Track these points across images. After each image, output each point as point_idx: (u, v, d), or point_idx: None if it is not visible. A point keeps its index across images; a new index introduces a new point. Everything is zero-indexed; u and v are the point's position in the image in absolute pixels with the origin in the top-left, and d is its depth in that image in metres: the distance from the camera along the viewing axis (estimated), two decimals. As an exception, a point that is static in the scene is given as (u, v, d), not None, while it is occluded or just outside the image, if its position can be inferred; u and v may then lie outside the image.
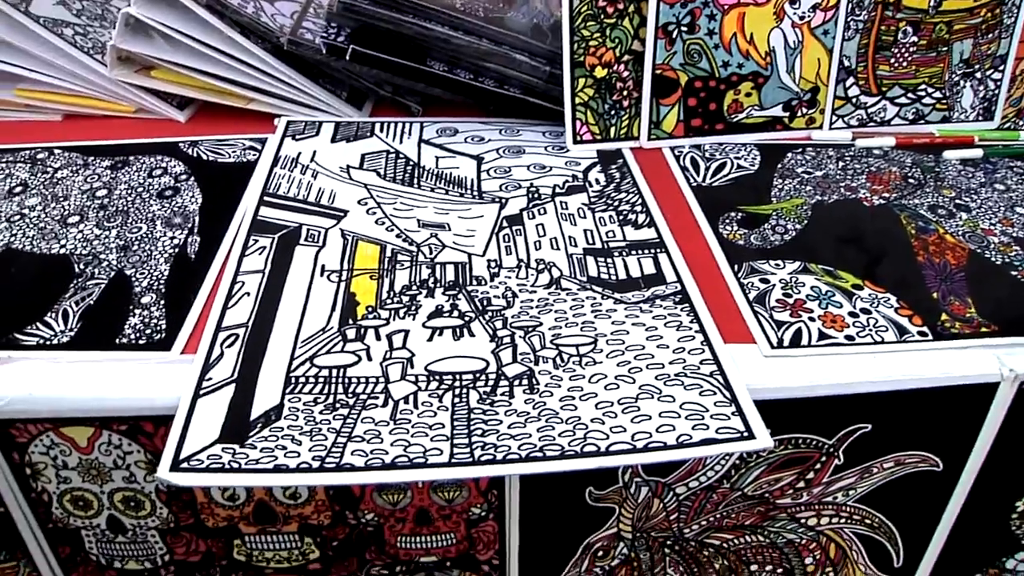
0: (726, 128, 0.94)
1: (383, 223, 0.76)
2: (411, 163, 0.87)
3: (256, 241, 0.73)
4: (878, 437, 0.64)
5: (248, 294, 0.66)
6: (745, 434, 0.55)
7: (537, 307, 0.67)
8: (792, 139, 0.95)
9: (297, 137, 0.91)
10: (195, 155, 0.89)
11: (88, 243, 0.75)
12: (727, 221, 0.80)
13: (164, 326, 0.65)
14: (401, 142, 0.91)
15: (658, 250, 0.74)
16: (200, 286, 0.69)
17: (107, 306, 0.67)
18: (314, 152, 0.87)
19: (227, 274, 0.69)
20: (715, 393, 0.59)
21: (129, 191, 0.82)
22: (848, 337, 0.65)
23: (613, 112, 0.91)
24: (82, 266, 0.71)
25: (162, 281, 0.70)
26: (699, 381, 0.60)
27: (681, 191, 0.85)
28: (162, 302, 0.67)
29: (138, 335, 0.64)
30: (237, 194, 0.81)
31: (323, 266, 0.70)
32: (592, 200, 0.82)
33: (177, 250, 0.74)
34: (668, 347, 0.63)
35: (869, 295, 0.69)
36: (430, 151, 0.89)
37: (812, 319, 0.66)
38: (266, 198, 0.79)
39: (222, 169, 0.86)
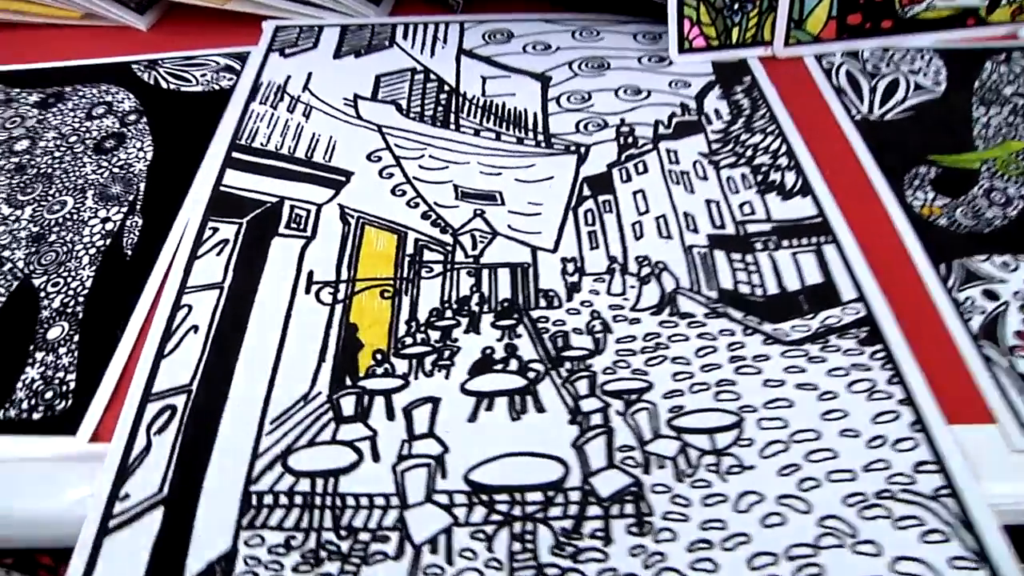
0: (896, 26, 0.65)
1: (403, 193, 0.51)
2: (447, 89, 0.60)
3: (215, 230, 0.49)
4: None
5: (195, 328, 0.43)
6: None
7: (644, 351, 0.42)
8: (992, 39, 0.65)
9: (287, 52, 0.64)
10: (152, 82, 0.64)
11: (-20, 235, 0.52)
12: (917, 182, 0.53)
13: (72, 387, 0.42)
14: (433, 55, 0.64)
15: (822, 239, 0.48)
16: (133, 310, 0.46)
17: (-11, 351, 0.45)
18: (308, 76, 0.62)
19: (171, 288, 0.46)
20: (946, 537, 0.34)
21: (59, 142, 0.58)
22: None
23: (736, 6, 0.62)
24: (-35, 276, 0.49)
25: (81, 298, 0.47)
26: (916, 511, 0.35)
27: (840, 129, 0.58)
28: (75, 338, 0.45)
29: (34, 402, 0.42)
30: (201, 144, 0.56)
31: (310, 274, 0.46)
32: (714, 147, 0.55)
33: (109, 241, 0.50)
34: (857, 434, 0.38)
35: None
36: (474, 68, 0.62)
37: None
38: (236, 154, 0.54)
39: (186, 103, 0.61)
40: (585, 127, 0.57)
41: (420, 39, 0.66)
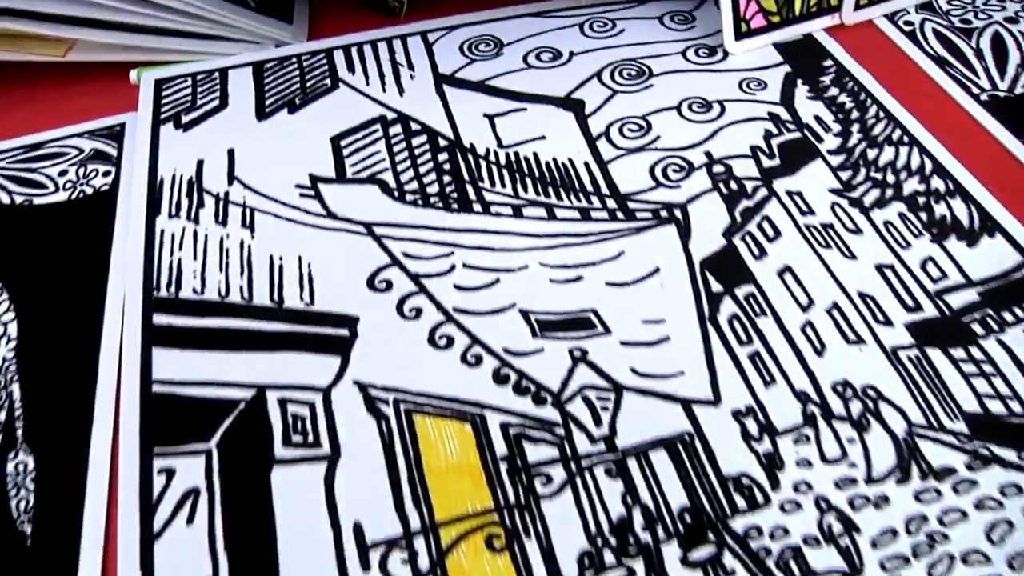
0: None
1: (449, 343, 0.33)
2: (444, 144, 0.41)
3: (168, 475, 0.29)
4: None
5: None
6: None
7: (917, 553, 0.27)
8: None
9: (185, 119, 0.43)
10: (-21, 195, 0.42)
11: None
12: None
13: None
14: (403, 91, 0.44)
15: (1070, 304, 0.33)
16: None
17: None
18: (230, 156, 0.41)
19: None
20: None
21: None
22: None
23: (803, -40, 0.46)
24: None
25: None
26: None
27: (973, 119, 0.43)
28: None
29: None
30: (91, 305, 0.36)
31: (357, 531, 0.28)
32: (843, 176, 0.39)
33: (-19, 517, 0.30)
34: None
35: None
36: (469, 102, 0.43)
37: None
38: (159, 319, 0.34)
39: (45, 230, 0.40)
40: (664, 174, 0.39)
41: (374, 68, 0.46)
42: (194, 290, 0.35)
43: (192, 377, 0.32)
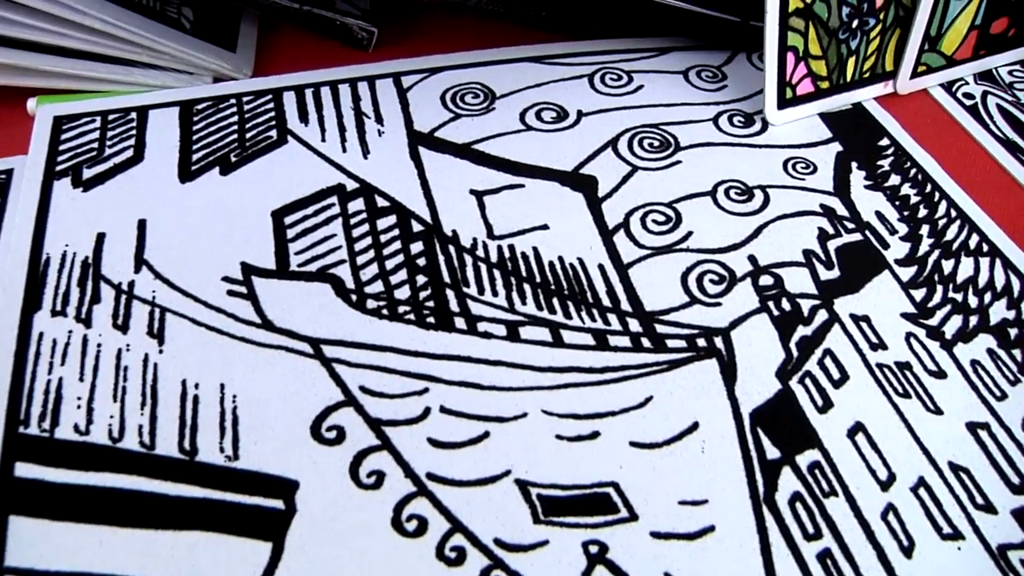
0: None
1: (421, 529, 0.24)
2: (418, 229, 0.32)
3: None
4: None
5: None
6: None
7: None
8: None
9: (87, 173, 0.34)
10: None
11: None
12: None
13: None
14: (368, 152, 0.35)
15: None
16: None
17: None
18: (140, 229, 0.32)
19: None
20: None
21: None
22: None
23: (855, 23, 0.38)
24: None
25: None
26: None
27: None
28: None
29: None
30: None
31: None
32: (916, 296, 0.31)
33: None
34: None
35: None
36: (451, 172, 0.35)
37: None
38: (24, 468, 0.25)
39: None
40: (700, 286, 0.31)
41: (332, 118, 0.37)
42: (76, 427, 0.26)
43: (62, 566, 0.23)
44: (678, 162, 0.36)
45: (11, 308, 0.29)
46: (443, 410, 0.27)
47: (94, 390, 0.27)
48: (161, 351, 0.28)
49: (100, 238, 0.31)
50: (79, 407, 0.27)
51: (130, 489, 0.25)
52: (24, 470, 0.25)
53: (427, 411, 0.27)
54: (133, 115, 0.37)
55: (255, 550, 0.24)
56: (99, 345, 0.28)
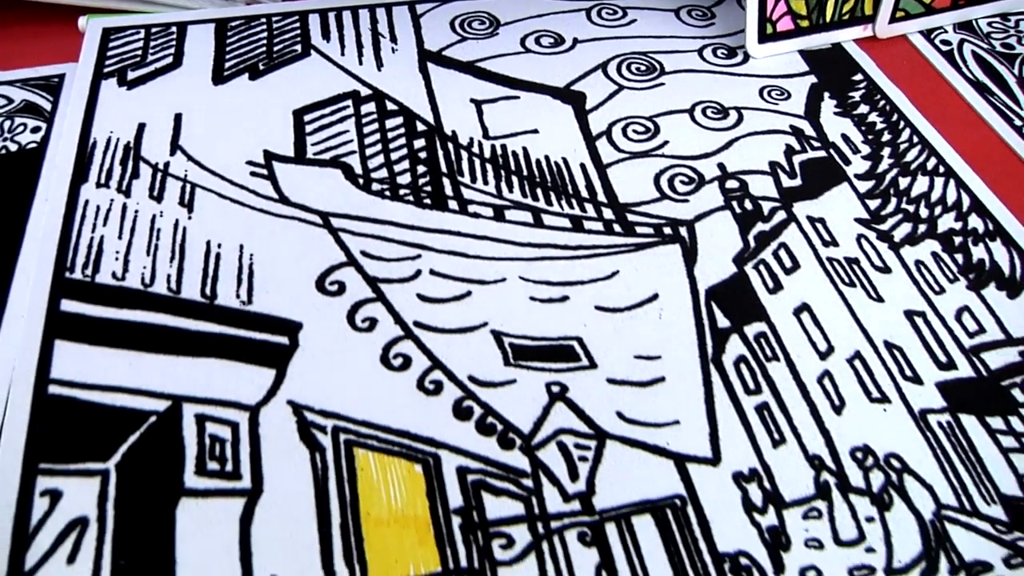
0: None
1: (405, 363, 0.28)
2: (421, 129, 0.36)
3: (53, 497, 0.24)
4: None
5: None
6: None
7: None
8: None
9: (131, 76, 0.38)
10: None
11: None
12: None
13: None
14: (381, 65, 0.39)
15: None
16: None
17: None
18: (176, 121, 0.36)
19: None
20: None
21: None
22: None
23: (843, -41, 0.41)
24: None
25: None
26: None
27: (1016, 154, 0.39)
28: None
29: None
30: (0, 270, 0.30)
31: (274, 593, 0.23)
32: (872, 205, 0.34)
33: None
34: None
35: None
36: (455, 84, 0.38)
37: None
38: (66, 305, 0.29)
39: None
40: (671, 185, 0.34)
41: (351, 36, 0.41)
42: (114, 274, 0.30)
43: (98, 380, 0.27)
44: (661, 84, 0.39)
45: (61, 180, 0.33)
46: (433, 272, 0.30)
47: (130, 246, 0.31)
48: (190, 217, 0.32)
49: (141, 127, 0.36)
50: (117, 259, 0.31)
51: (157, 324, 0.29)
52: (69, 306, 0.29)
53: (418, 273, 0.30)
54: (173, 29, 0.41)
55: (261, 374, 0.28)
56: (136, 211, 0.32)
